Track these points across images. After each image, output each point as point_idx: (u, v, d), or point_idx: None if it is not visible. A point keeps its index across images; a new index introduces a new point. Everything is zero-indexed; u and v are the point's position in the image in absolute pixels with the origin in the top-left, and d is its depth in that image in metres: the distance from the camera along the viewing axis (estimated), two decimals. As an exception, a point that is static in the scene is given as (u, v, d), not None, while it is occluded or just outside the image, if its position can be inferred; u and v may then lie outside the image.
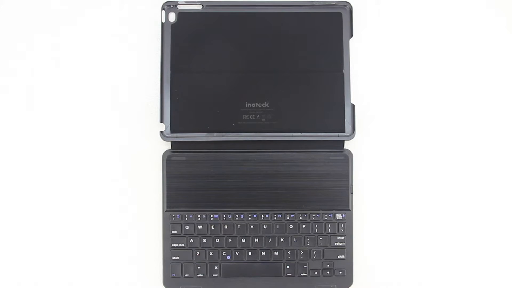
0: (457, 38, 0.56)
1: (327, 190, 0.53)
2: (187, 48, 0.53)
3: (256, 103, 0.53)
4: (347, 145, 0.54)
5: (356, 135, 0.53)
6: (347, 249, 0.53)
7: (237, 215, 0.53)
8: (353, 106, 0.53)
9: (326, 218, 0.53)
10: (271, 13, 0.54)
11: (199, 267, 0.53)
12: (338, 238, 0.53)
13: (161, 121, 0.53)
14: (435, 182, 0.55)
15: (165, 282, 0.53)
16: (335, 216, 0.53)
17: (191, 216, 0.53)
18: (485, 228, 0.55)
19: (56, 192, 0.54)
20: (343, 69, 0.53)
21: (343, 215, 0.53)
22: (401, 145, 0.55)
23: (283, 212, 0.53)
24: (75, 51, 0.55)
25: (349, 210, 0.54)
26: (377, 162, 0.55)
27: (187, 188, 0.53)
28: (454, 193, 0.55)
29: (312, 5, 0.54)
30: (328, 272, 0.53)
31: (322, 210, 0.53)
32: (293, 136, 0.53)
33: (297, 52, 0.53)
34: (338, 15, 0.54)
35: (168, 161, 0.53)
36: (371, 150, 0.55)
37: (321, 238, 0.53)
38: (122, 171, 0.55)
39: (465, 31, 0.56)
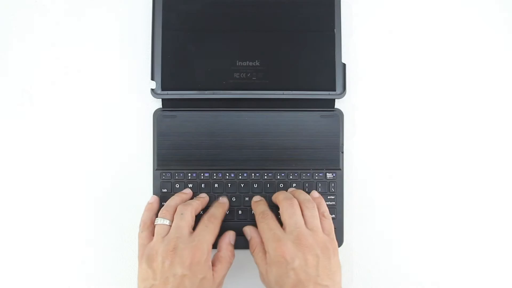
0: (452, 7, 0.56)
1: (317, 149, 0.53)
2: (179, 6, 0.53)
3: (247, 62, 0.53)
4: (338, 104, 0.54)
5: (347, 94, 0.54)
6: (338, 208, 0.53)
7: (227, 174, 0.53)
8: (344, 65, 0.53)
9: (316, 177, 0.53)
10: (263, -27, 0.54)
11: (189, 226, 0.52)
12: (328, 197, 0.53)
13: (152, 78, 0.53)
14: (426, 141, 0.55)
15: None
16: (325, 175, 0.53)
17: (181, 175, 0.53)
18: (477, 201, 0.55)
19: (46, 155, 0.54)
20: (334, 28, 0.53)
21: (334, 174, 0.53)
22: (392, 105, 0.55)
23: (274, 171, 0.53)
24: (64, 8, 0.55)
25: (339, 169, 0.53)
26: (368, 121, 0.55)
27: (178, 146, 0.53)
28: (445, 150, 0.55)
29: (303, -35, 0.54)
30: (318, 231, 0.53)
31: (313, 169, 0.53)
32: (283, 94, 0.53)
33: (288, 11, 0.53)
34: (329, -25, 0.54)
35: (159, 119, 0.53)
36: (362, 109, 0.55)
37: (311, 197, 0.53)
38: (112, 129, 0.55)
39: (461, 3, 0.57)
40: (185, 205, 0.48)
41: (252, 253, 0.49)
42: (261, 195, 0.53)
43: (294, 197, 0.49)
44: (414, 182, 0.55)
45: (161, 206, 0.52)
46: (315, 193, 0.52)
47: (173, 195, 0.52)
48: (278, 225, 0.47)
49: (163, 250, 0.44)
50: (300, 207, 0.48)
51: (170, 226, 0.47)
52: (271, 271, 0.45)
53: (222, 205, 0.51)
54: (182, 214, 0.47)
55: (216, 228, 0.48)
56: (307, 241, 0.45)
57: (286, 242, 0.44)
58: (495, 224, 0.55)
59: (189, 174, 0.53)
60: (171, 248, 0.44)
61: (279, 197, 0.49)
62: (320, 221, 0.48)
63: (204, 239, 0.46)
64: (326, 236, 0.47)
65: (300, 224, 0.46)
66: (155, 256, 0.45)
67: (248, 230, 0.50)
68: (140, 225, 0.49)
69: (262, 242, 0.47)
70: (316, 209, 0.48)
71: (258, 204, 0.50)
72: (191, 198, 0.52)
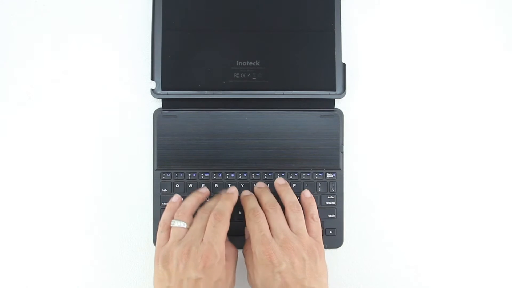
0: (452, 7, 0.56)
1: (317, 149, 0.53)
2: (179, 6, 0.53)
3: (247, 62, 0.53)
4: (338, 104, 0.54)
5: (347, 94, 0.53)
6: (338, 208, 0.53)
7: (227, 174, 0.53)
8: (344, 65, 0.53)
9: (316, 177, 0.53)
10: (263, -28, 0.54)
11: (189, 226, 0.52)
12: (328, 197, 0.53)
13: (152, 78, 0.53)
14: (426, 141, 0.55)
15: (155, 240, 0.53)
16: (325, 175, 0.53)
17: (181, 175, 0.53)
18: (478, 200, 0.55)
19: (45, 155, 0.54)
20: (334, 28, 0.53)
21: (334, 174, 0.53)
22: (392, 104, 0.55)
23: (274, 171, 0.53)
24: (64, 8, 0.55)
25: (339, 169, 0.53)
26: (368, 121, 0.55)
27: (178, 146, 0.53)
28: (446, 150, 0.55)
29: (303, -36, 0.54)
30: (318, 232, 0.53)
31: (313, 169, 0.53)
32: (283, 94, 0.53)
33: (288, 11, 0.53)
34: (329, -25, 0.54)
35: (159, 119, 0.53)
36: (362, 109, 0.55)
37: (311, 198, 0.53)
38: (112, 129, 0.54)
39: (461, 3, 0.57)
40: (206, 209, 0.48)
41: (243, 253, 0.49)
42: (261, 195, 0.53)
43: (281, 197, 0.49)
44: (414, 182, 0.55)
45: (161, 206, 0.52)
46: (307, 193, 0.51)
47: (173, 195, 0.52)
48: (268, 227, 0.46)
49: (178, 252, 0.44)
50: (286, 209, 0.48)
51: (187, 228, 0.47)
52: (257, 273, 0.45)
53: (229, 196, 0.49)
54: (201, 218, 0.47)
55: (224, 225, 0.46)
56: (293, 244, 0.45)
57: (274, 246, 0.45)
58: (496, 225, 0.55)
59: (189, 174, 0.53)
60: (186, 251, 0.44)
61: (263, 200, 0.49)
62: (308, 223, 0.48)
63: (214, 241, 0.45)
64: (313, 239, 0.47)
65: (284, 227, 0.46)
66: (170, 258, 0.45)
67: (247, 231, 0.51)
68: (160, 225, 0.48)
69: None
70: (301, 212, 0.48)
71: (249, 199, 0.49)
72: (209, 195, 0.52)
